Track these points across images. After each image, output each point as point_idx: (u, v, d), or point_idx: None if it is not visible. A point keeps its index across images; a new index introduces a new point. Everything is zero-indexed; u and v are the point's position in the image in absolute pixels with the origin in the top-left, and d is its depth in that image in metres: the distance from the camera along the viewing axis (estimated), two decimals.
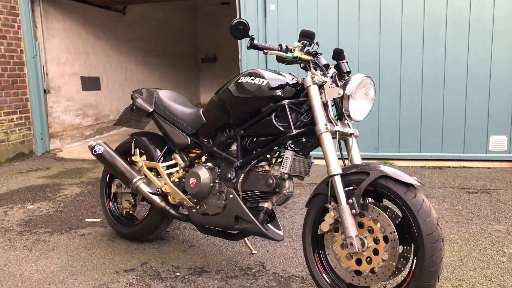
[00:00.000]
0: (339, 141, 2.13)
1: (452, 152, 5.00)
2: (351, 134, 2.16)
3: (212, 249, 2.79)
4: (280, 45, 2.13)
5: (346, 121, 2.15)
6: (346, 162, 2.17)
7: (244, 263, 2.59)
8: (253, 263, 2.58)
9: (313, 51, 2.21)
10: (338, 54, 2.25)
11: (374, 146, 5.14)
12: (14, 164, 5.56)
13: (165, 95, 2.80)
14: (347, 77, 2.15)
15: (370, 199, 2.03)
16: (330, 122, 2.07)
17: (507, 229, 3.00)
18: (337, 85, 2.13)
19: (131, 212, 2.91)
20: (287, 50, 2.12)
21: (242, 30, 2.02)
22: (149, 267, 2.55)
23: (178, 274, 2.47)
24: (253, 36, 2.06)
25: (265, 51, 2.06)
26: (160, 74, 10.21)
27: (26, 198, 4.01)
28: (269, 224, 2.33)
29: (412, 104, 5.02)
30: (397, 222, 1.88)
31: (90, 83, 7.41)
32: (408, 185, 1.87)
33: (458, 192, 3.87)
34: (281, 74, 2.27)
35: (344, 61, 2.21)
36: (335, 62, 2.24)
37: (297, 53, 2.12)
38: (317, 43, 2.26)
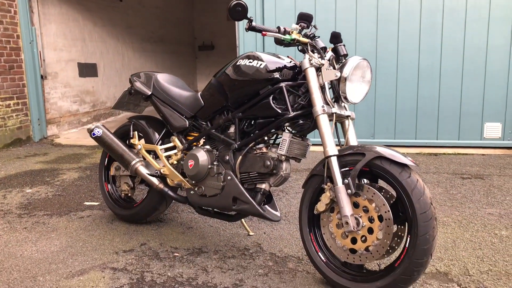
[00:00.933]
0: (335, 123, 2.18)
1: (447, 139, 5.05)
2: (347, 117, 2.19)
3: (210, 231, 2.83)
4: (278, 27, 2.15)
5: (342, 104, 2.18)
6: (343, 144, 2.21)
7: (241, 244, 2.63)
8: (250, 244, 2.63)
9: (310, 34, 2.23)
10: (335, 38, 2.27)
11: (370, 133, 5.18)
12: (11, 150, 5.57)
13: (163, 78, 2.81)
14: (344, 60, 2.18)
15: (365, 180, 2.08)
16: (327, 104, 2.10)
17: (499, 213, 3.05)
18: (334, 68, 2.16)
19: (129, 194, 2.94)
20: (285, 32, 2.15)
21: (240, 11, 2.04)
22: (148, 248, 2.59)
23: (177, 254, 2.51)
24: (251, 18, 2.07)
25: (264, 32, 2.08)
26: (157, 61, 10.18)
27: (24, 182, 4.03)
28: (266, 206, 2.37)
29: (409, 91, 5.05)
30: (391, 202, 1.92)
31: (87, 70, 7.39)
32: (403, 166, 1.91)
33: (452, 178, 3.93)
34: (279, 57, 2.30)
35: (341, 44, 2.24)
36: (332, 46, 2.27)
37: (295, 35, 2.14)
38: (314, 26, 2.28)
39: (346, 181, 1.97)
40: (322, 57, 2.15)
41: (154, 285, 2.16)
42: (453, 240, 2.62)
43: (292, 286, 2.13)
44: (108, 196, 3.04)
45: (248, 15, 2.08)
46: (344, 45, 2.24)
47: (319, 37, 2.24)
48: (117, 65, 8.38)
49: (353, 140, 2.20)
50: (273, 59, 2.27)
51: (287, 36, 2.11)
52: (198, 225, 2.93)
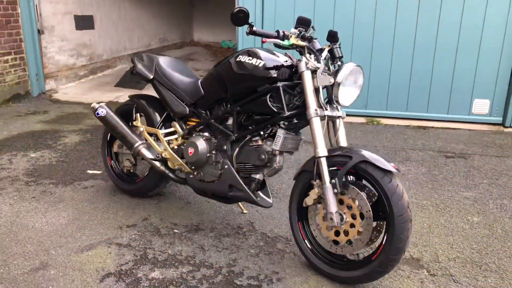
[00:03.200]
0: (328, 123, 2.34)
1: (437, 113, 5.22)
2: (339, 117, 2.35)
3: (206, 207, 3.06)
4: (278, 31, 2.24)
5: (335, 105, 2.33)
6: (333, 142, 2.38)
7: (235, 222, 2.87)
8: (244, 222, 2.86)
9: (308, 36, 2.33)
10: (332, 37, 2.39)
11: (363, 104, 5.32)
12: (11, 106, 5.67)
13: (165, 62, 2.90)
14: (339, 62, 2.31)
15: (351, 177, 2.27)
16: (320, 107, 2.25)
17: (475, 197, 3.29)
18: (329, 68, 2.29)
19: (131, 170, 3.13)
20: (284, 36, 2.24)
21: (242, 17, 2.13)
22: (150, 223, 2.82)
23: (176, 231, 2.74)
24: (252, 23, 2.17)
25: (264, 39, 2.18)
26: (153, 11, 10.00)
27: (28, 146, 4.19)
28: (259, 192, 2.58)
29: (403, 65, 5.14)
30: (374, 199, 2.13)
31: (84, 22, 7.31)
32: (386, 171, 2.09)
33: (437, 156, 4.14)
34: (277, 55, 2.40)
35: (337, 45, 2.35)
36: (328, 44, 2.38)
37: (293, 40, 2.24)
38: (312, 27, 2.38)
39: (333, 181, 2.16)
40: (318, 60, 2.27)
41: (156, 263, 2.40)
42: (429, 225, 2.88)
43: (280, 267, 2.39)
44: (111, 170, 3.22)
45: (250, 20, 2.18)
46: (339, 47, 2.35)
47: (316, 38, 2.35)
48: (113, 17, 8.27)
49: (342, 139, 2.36)
50: (272, 57, 2.37)
51: (285, 42, 2.22)
52: (196, 200, 3.15)
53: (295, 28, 2.28)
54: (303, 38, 2.32)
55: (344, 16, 5.11)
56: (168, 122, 2.89)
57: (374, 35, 5.08)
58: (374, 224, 2.16)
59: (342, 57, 2.33)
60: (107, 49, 8.08)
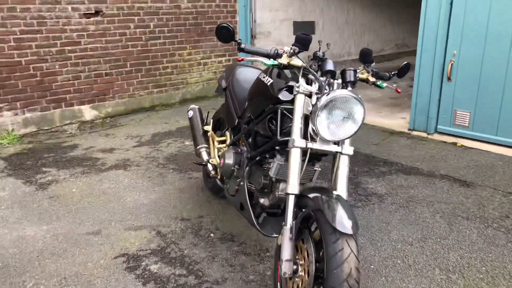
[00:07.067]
0: (333, 157, 2.00)
1: None
2: (337, 153, 1.96)
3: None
4: (272, 50, 2.04)
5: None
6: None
7: (269, 243, 2.74)
8: (274, 246, 2.70)
9: (319, 55, 2.04)
10: (365, 56, 2.05)
11: (492, 128, 3.90)
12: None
13: (240, 73, 2.97)
14: (349, 88, 1.94)
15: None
16: (306, 137, 1.94)
17: None
18: None
19: None
20: (277, 55, 2.02)
21: (226, 34, 2.04)
22: (199, 222, 3.00)
23: (212, 235, 2.85)
24: (239, 40, 2.04)
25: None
26: (391, 16, 9.66)
27: None
28: (270, 218, 2.41)
29: None
30: None
31: (303, 28, 7.79)
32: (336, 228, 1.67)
33: None
34: (291, 74, 2.18)
35: (351, 69, 1.98)
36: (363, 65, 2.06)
37: (284, 59, 2.00)
38: (327, 45, 2.05)
39: (291, 224, 1.86)
40: (318, 81, 1.97)
41: (164, 257, 2.60)
42: None
43: None
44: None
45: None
46: (355, 70, 1.97)
47: (326, 58, 2.03)
48: (339, 22, 8.47)
49: (341, 179, 1.96)
50: (286, 76, 2.17)
51: (269, 62, 2.00)
52: None
53: (292, 46, 2.02)
54: (314, 56, 2.05)
55: None
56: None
57: None
58: None
59: (354, 81, 1.94)
60: (328, 53, 8.35)
